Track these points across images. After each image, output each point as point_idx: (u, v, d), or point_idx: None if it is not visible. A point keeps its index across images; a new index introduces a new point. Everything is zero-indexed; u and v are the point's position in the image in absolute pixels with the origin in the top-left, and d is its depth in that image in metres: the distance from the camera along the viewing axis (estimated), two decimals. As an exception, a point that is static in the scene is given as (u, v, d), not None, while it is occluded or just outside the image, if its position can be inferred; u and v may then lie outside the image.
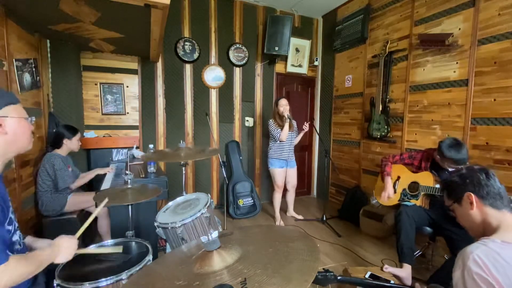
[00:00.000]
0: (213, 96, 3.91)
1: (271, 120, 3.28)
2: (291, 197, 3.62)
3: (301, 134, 3.38)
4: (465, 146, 1.99)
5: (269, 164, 3.36)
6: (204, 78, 3.79)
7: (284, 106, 3.18)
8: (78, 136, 2.54)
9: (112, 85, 3.36)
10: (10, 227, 0.97)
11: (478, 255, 0.80)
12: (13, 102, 0.99)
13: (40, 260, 0.97)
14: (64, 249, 1.08)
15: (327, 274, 1.16)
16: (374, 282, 1.53)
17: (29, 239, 1.19)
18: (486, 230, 0.93)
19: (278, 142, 3.23)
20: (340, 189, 4.15)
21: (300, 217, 3.67)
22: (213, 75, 3.84)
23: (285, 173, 3.37)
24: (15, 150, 1.02)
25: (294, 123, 3.33)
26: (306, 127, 3.23)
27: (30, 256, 0.95)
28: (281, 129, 3.15)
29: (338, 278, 1.17)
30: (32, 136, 1.07)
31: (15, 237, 1.02)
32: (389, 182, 2.36)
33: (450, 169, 2.07)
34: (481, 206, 0.95)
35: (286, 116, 3.12)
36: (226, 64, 3.90)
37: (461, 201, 1.00)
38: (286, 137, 3.16)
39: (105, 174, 2.65)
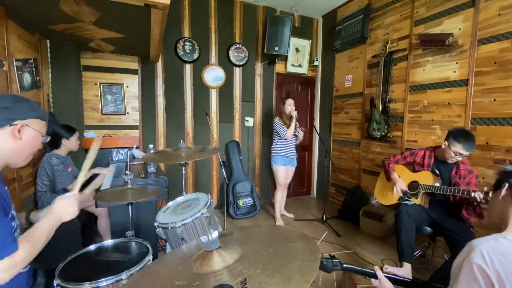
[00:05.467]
0: (213, 96, 3.91)
1: (277, 118, 3.32)
2: (284, 195, 3.62)
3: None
4: (473, 135, 2.03)
5: (272, 161, 3.38)
6: (204, 78, 3.79)
7: (292, 105, 3.27)
8: (76, 135, 2.52)
9: (112, 85, 3.36)
10: (13, 223, 0.98)
11: (485, 249, 0.79)
12: (41, 118, 1.05)
13: (44, 229, 0.98)
14: (63, 208, 1.08)
15: (333, 260, 1.11)
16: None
17: (34, 216, 1.19)
18: (501, 224, 0.93)
19: (283, 139, 3.29)
20: (340, 189, 4.15)
21: (290, 215, 3.71)
22: (213, 75, 3.84)
23: (286, 171, 3.39)
24: (14, 160, 1.02)
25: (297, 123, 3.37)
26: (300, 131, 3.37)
27: (33, 232, 0.95)
28: (287, 127, 3.21)
29: (344, 266, 1.14)
30: (32, 156, 1.07)
31: (15, 235, 1.02)
32: (396, 176, 2.35)
33: (453, 161, 2.08)
34: (510, 199, 0.93)
35: (295, 116, 3.20)
36: (226, 64, 3.90)
37: (498, 189, 1.00)
38: (292, 135, 3.24)
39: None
